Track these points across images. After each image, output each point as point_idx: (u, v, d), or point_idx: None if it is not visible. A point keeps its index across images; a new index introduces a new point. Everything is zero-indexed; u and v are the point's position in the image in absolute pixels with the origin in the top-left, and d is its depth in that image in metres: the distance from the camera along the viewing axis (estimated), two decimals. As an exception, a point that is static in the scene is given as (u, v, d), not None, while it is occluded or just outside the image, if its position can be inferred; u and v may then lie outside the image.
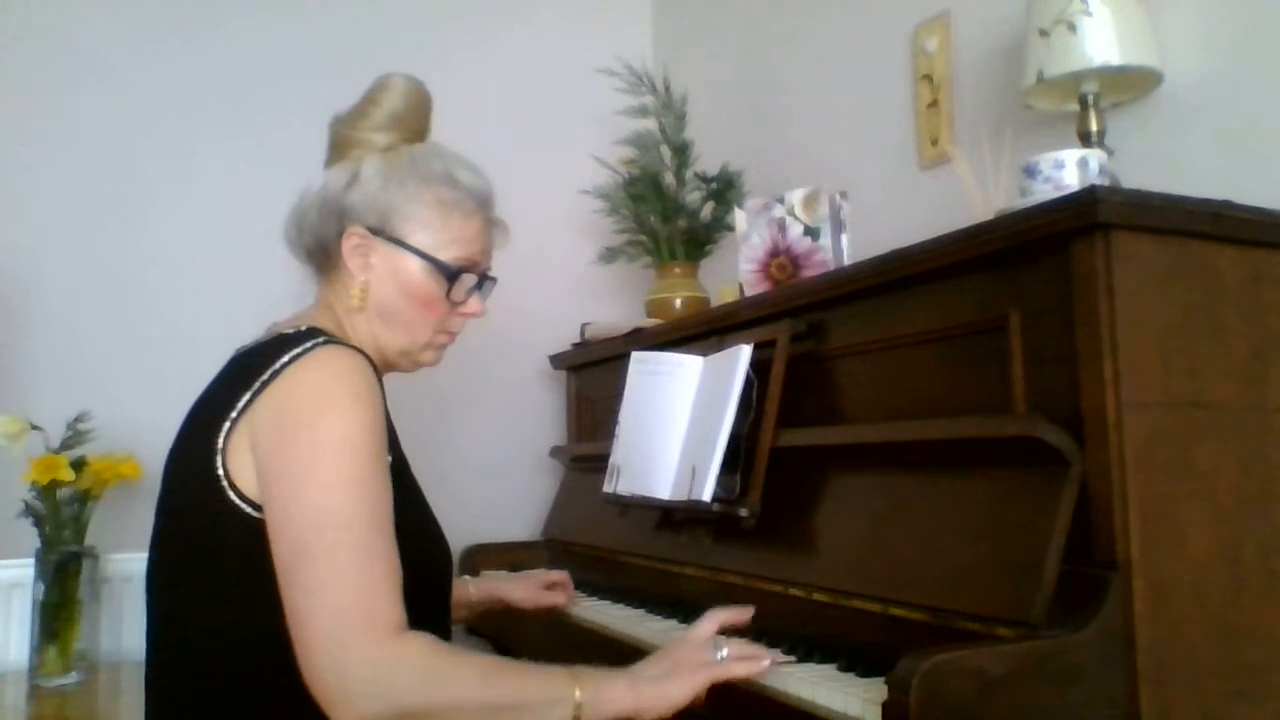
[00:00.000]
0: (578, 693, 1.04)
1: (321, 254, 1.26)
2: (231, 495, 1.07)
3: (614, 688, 1.07)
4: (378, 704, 0.98)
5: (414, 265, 1.23)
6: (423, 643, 1.03)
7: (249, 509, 1.07)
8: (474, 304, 1.29)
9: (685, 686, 1.09)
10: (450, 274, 1.24)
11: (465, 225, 1.26)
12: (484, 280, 1.30)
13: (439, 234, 1.24)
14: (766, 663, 1.15)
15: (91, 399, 2.05)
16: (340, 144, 1.27)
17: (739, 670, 1.14)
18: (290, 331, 1.16)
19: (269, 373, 1.09)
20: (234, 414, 1.09)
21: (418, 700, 0.99)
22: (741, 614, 1.24)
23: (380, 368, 1.23)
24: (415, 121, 1.28)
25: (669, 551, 1.74)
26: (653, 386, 1.76)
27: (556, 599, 1.69)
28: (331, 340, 1.14)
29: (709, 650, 1.14)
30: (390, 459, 1.13)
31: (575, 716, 1.04)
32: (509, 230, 1.34)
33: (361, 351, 1.15)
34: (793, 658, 1.22)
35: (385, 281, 1.23)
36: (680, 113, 2.34)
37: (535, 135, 2.62)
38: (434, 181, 1.24)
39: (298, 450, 1.05)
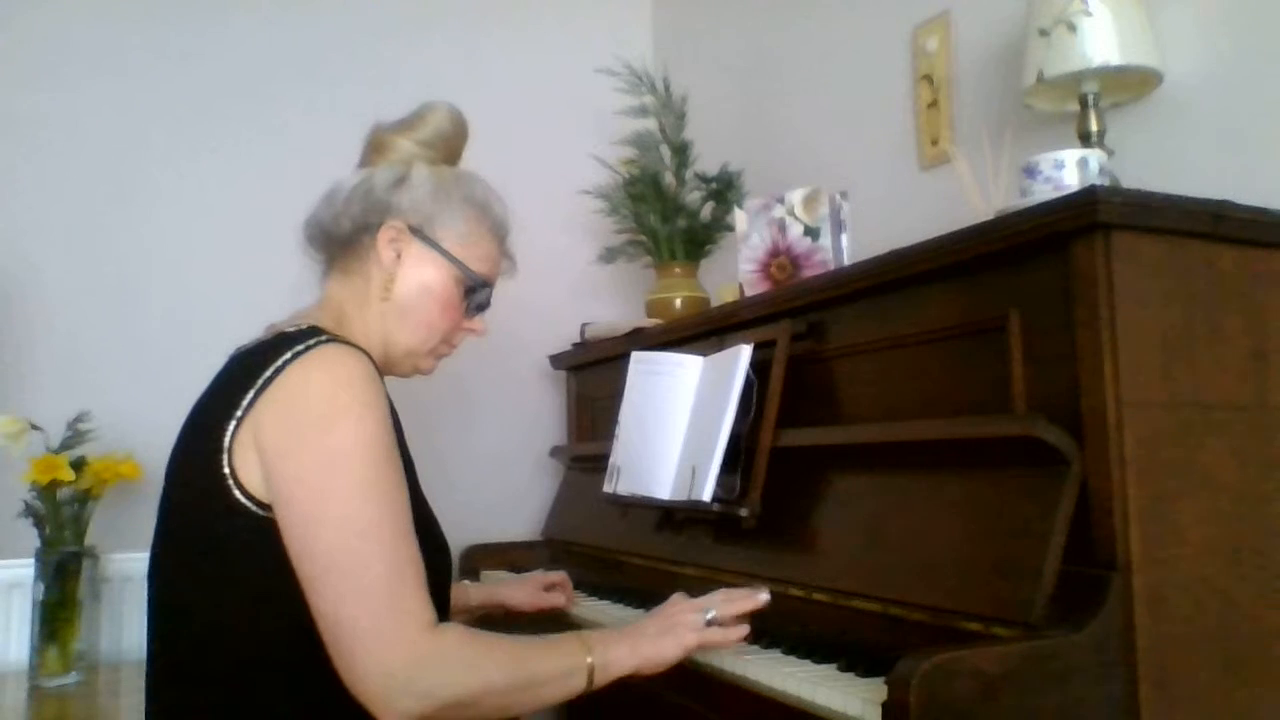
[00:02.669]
0: (589, 659, 1.13)
1: (353, 243, 1.29)
2: (237, 493, 1.08)
3: (618, 650, 1.16)
4: (425, 700, 1.03)
5: (442, 268, 1.29)
6: (457, 634, 1.09)
7: (255, 507, 1.08)
8: (479, 322, 1.37)
9: (679, 647, 1.19)
10: (474, 282, 1.32)
11: (490, 249, 1.35)
12: (486, 303, 1.38)
13: (469, 249, 1.31)
14: (740, 632, 1.23)
15: (91, 399, 2.05)
16: (380, 147, 1.33)
17: (718, 637, 1.21)
18: (291, 330, 1.17)
19: (271, 370, 1.10)
20: (238, 413, 1.09)
21: (459, 690, 1.05)
22: (754, 605, 1.25)
23: (380, 368, 1.23)
24: (455, 146, 1.37)
25: (669, 551, 1.74)
26: (653, 386, 1.76)
27: (556, 600, 1.69)
28: (333, 339, 1.15)
29: (700, 614, 1.22)
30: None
31: (589, 678, 1.13)
32: (516, 266, 1.42)
33: (362, 349, 1.16)
34: (756, 646, 1.27)
35: (412, 278, 1.28)
36: (680, 113, 2.34)
37: (535, 135, 2.62)
38: (474, 203, 1.33)
39: (314, 458, 1.06)
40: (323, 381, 1.10)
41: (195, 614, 1.12)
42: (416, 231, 1.28)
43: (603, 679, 1.14)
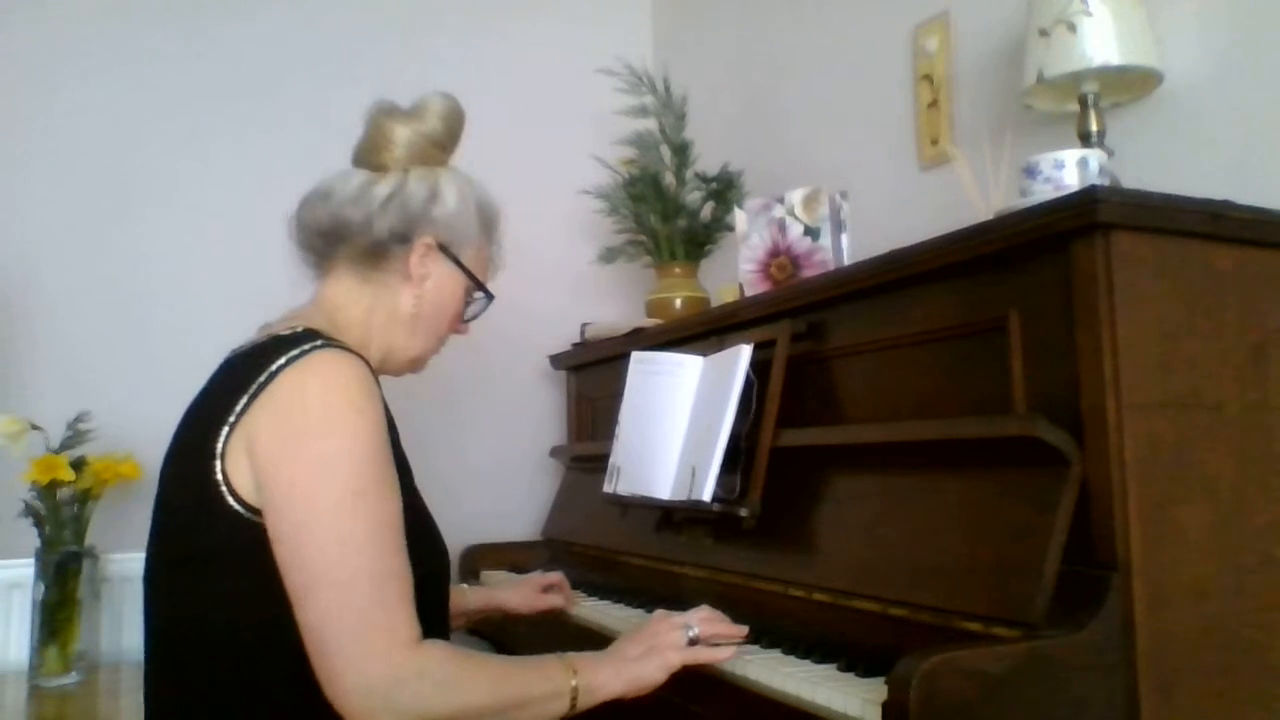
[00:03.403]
0: (573, 682, 1.13)
1: (378, 254, 1.27)
2: (230, 500, 1.07)
3: (602, 674, 1.16)
4: (404, 716, 1.03)
5: (459, 282, 1.33)
6: (440, 652, 1.08)
7: (247, 513, 1.07)
8: (469, 324, 1.40)
9: (662, 669, 1.19)
10: (489, 297, 1.36)
11: (488, 254, 1.38)
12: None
13: (479, 261, 1.35)
14: (728, 653, 1.23)
15: (91, 399, 2.05)
16: (385, 138, 1.30)
17: (704, 657, 1.22)
18: (285, 333, 1.16)
19: (265, 374, 1.09)
20: (231, 418, 1.09)
21: (440, 708, 1.05)
22: (733, 631, 1.27)
23: (375, 369, 1.23)
24: (455, 135, 1.36)
25: (669, 551, 1.74)
26: (653, 386, 1.76)
27: (554, 601, 1.69)
28: (329, 343, 1.14)
29: (682, 632, 1.22)
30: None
31: (572, 701, 1.12)
32: (500, 266, 1.44)
33: (357, 354, 1.15)
34: (756, 646, 1.28)
35: (434, 292, 1.31)
36: (680, 113, 2.34)
37: (535, 135, 2.62)
38: (486, 211, 1.36)
39: (306, 467, 1.05)
40: (317, 388, 1.09)
41: (189, 617, 1.11)
42: (444, 249, 1.30)
43: (587, 702, 1.14)
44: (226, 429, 1.08)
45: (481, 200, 1.34)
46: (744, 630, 1.27)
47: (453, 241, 1.30)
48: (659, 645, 1.20)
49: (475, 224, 1.32)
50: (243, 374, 1.11)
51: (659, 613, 1.28)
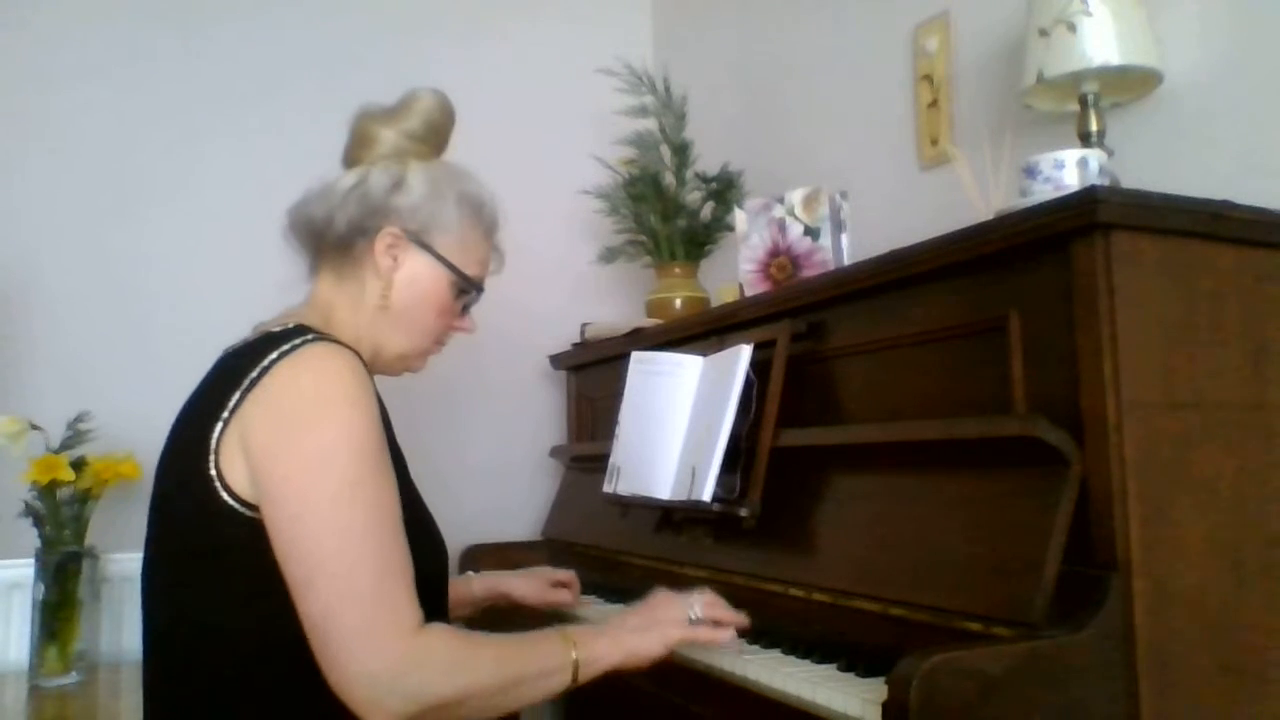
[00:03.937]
0: (574, 654, 1.14)
1: (348, 246, 1.27)
2: (225, 495, 1.07)
3: (600, 644, 1.17)
4: (411, 702, 1.03)
5: (439, 273, 1.29)
6: (442, 635, 1.09)
7: (242, 508, 1.07)
8: (468, 320, 1.37)
9: (662, 642, 1.20)
10: (469, 286, 1.32)
11: (483, 250, 1.35)
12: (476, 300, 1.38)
13: (463, 253, 1.31)
14: (729, 634, 1.23)
15: (91, 399, 2.05)
16: (367, 141, 1.30)
17: (705, 636, 1.22)
18: (277, 330, 1.16)
19: (258, 370, 1.09)
20: (225, 414, 1.09)
21: (445, 691, 1.05)
22: (734, 617, 1.27)
23: (368, 367, 1.23)
24: (444, 134, 1.35)
25: (669, 551, 1.74)
26: (653, 386, 1.76)
27: (563, 597, 1.68)
28: (320, 337, 1.14)
29: (685, 609, 1.23)
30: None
31: (574, 674, 1.14)
32: (504, 260, 1.41)
33: (350, 347, 1.16)
34: (756, 646, 1.28)
35: (408, 284, 1.28)
36: (680, 113, 2.34)
37: (535, 135, 2.62)
38: (468, 203, 1.32)
39: (301, 458, 1.05)
40: (310, 380, 1.09)
41: (186, 614, 1.11)
42: (414, 238, 1.27)
43: (587, 675, 1.14)
44: (220, 424, 1.09)
45: (466, 190, 1.31)
46: (745, 619, 1.27)
47: (423, 230, 1.27)
48: (660, 620, 1.21)
49: (454, 213, 1.29)
50: (236, 370, 1.12)
51: (661, 590, 1.28)
